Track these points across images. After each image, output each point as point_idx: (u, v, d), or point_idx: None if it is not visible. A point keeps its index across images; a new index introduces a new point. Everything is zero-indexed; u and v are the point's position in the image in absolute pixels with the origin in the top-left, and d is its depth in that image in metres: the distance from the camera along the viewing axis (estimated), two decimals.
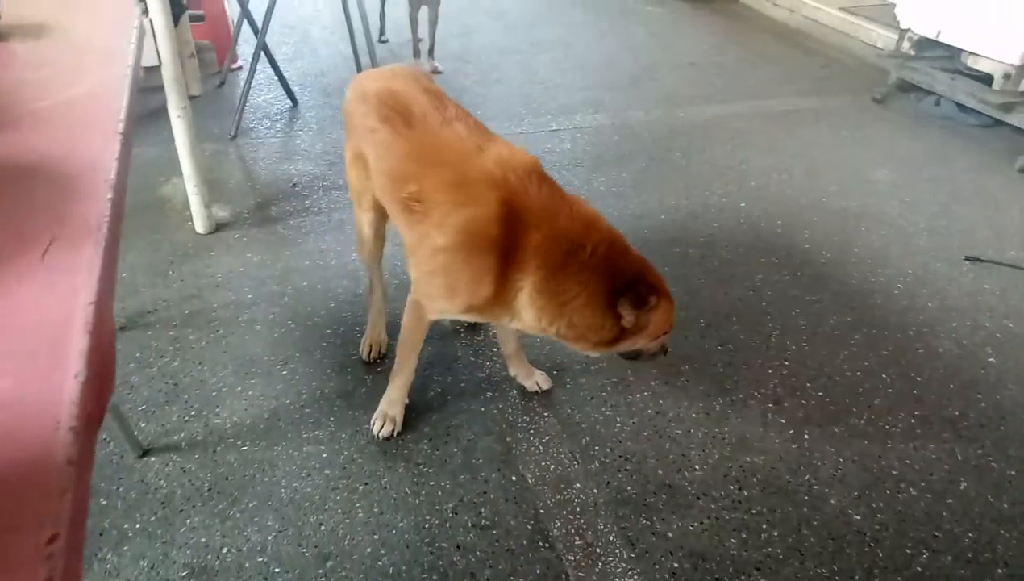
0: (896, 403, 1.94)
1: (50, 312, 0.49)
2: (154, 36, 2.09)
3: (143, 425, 1.78)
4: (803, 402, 1.94)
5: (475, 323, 2.15)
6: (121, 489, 1.62)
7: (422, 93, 1.59)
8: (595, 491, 1.66)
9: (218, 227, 2.51)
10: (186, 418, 1.80)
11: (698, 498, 1.65)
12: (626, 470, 1.72)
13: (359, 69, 3.65)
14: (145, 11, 2.06)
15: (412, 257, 1.56)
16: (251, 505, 1.59)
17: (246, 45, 3.76)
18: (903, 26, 3.76)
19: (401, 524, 1.57)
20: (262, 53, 3.10)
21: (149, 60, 2.13)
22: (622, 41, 4.65)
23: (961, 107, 3.62)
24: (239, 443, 1.74)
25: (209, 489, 1.63)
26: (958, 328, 2.23)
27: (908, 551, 1.56)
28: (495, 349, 2.05)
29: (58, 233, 0.55)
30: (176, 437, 1.75)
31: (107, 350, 0.49)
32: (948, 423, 1.89)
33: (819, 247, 2.61)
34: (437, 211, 1.43)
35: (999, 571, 1.52)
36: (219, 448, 1.73)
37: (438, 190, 1.44)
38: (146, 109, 3.20)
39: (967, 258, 2.58)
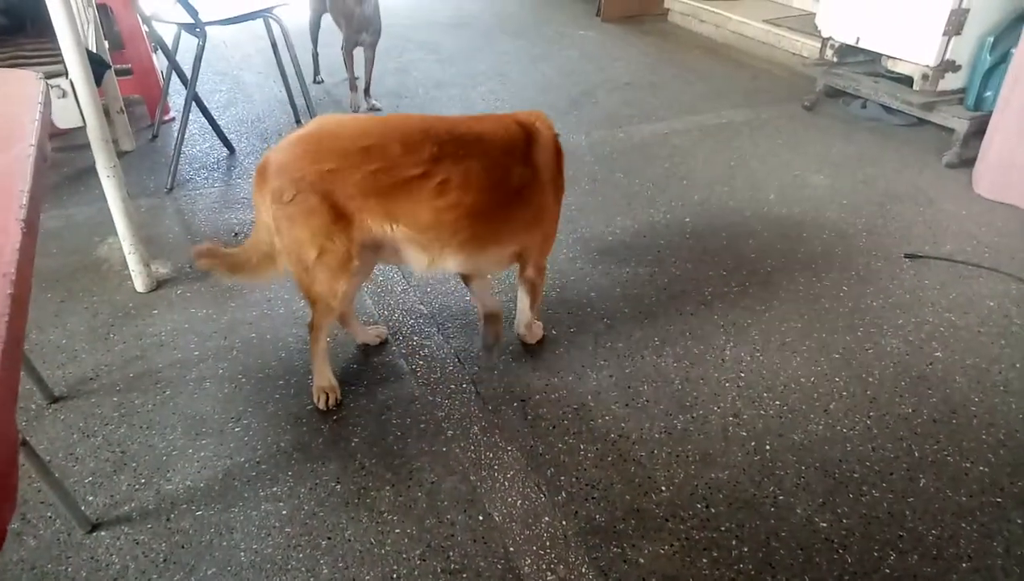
0: (851, 406, 1.97)
1: None
2: (76, 97, 2.03)
3: (90, 498, 1.70)
4: (762, 412, 1.95)
5: (432, 361, 2.13)
6: (70, 569, 1.54)
7: (400, 142, 1.70)
8: (564, 523, 1.64)
9: (159, 284, 2.43)
10: (136, 487, 1.73)
11: (667, 520, 1.65)
12: (593, 498, 1.70)
13: (295, 112, 3.63)
14: (65, 72, 2.01)
15: (536, 233, 1.95)
16: (210, 573, 1.53)
17: (177, 96, 3.69)
18: (824, 35, 3.88)
19: (367, 577, 1.52)
20: (194, 103, 3.04)
21: (73, 121, 2.08)
22: (558, 66, 4.70)
23: (887, 108, 3.75)
24: (193, 508, 1.68)
25: (164, 560, 1.56)
26: (904, 325, 2.29)
27: (876, 554, 1.57)
28: (453, 386, 2.03)
29: None
30: (126, 508, 1.68)
31: (7, 467, 0.45)
32: (903, 421, 1.92)
33: (764, 256, 2.66)
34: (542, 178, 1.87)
35: (963, 565, 1.54)
36: (172, 515, 1.66)
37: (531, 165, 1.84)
38: (75, 169, 3.12)
39: (906, 255, 2.65)
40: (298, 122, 3.62)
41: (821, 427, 1.90)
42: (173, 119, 3.61)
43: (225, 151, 3.33)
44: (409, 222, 1.73)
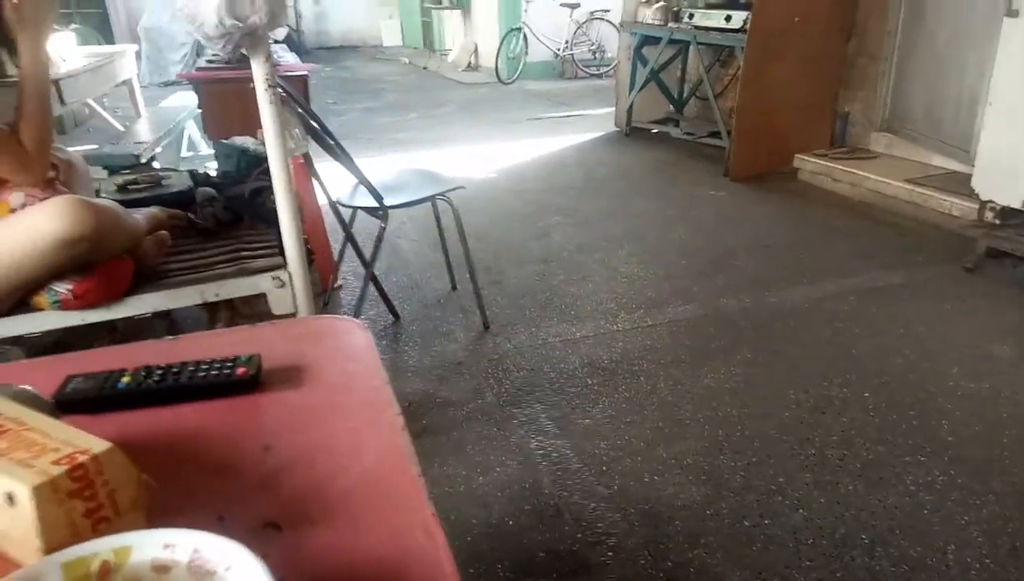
0: None
1: None
2: (291, 287, 2.19)
3: None
4: None
5: (621, 553, 2.04)
6: None
7: None
8: None
9: None
10: None
11: None
12: None
13: (451, 279, 3.79)
14: (284, 264, 2.18)
15: None
16: None
17: (344, 265, 3.95)
18: (983, 197, 3.79)
19: None
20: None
21: (286, 308, 2.24)
22: (694, 227, 4.77)
23: None
24: None
25: None
26: None
27: None
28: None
29: None
30: None
31: None
32: None
33: (963, 440, 2.47)
34: None
35: None
36: None
37: None
38: None
39: None
40: (454, 289, 3.78)
41: None
42: (341, 286, 3.84)
43: (390, 317, 3.49)
44: None
